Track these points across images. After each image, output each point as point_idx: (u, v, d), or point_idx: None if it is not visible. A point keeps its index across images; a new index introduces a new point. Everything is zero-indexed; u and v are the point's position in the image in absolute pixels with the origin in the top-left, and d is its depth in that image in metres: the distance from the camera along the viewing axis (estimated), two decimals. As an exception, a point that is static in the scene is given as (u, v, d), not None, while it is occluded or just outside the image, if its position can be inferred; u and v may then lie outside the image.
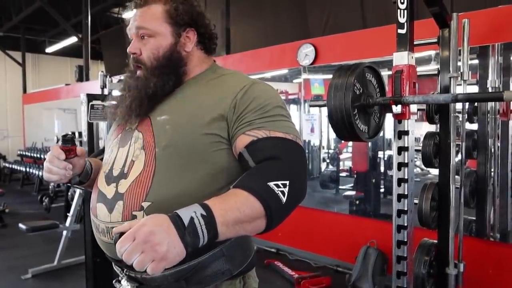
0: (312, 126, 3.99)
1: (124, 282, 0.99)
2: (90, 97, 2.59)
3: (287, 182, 0.83)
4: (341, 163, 5.19)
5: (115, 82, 2.68)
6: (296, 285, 3.34)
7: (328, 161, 5.43)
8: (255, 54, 4.57)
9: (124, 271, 0.96)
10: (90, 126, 2.62)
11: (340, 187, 4.92)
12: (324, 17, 5.40)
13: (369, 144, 4.26)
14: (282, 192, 0.82)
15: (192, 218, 0.74)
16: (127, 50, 1.11)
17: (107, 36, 10.50)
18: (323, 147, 5.40)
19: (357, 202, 4.39)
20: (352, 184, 4.84)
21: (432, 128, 2.79)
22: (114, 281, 1.06)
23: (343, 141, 5.25)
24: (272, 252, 4.17)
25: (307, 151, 5.00)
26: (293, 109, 5.00)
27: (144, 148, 0.97)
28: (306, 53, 3.85)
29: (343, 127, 1.92)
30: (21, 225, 3.64)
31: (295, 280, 3.37)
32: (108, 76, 2.68)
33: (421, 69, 3.38)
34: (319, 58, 3.79)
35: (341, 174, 5.03)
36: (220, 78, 1.07)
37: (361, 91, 1.92)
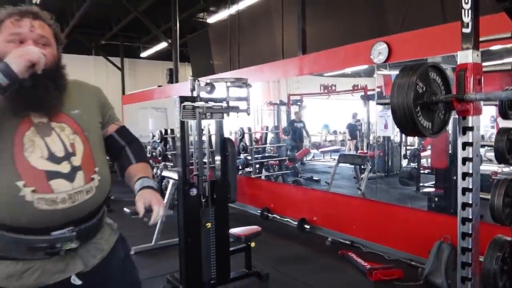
0: (386, 122, 4.05)
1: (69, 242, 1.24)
2: (182, 98, 3.01)
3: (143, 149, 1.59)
4: (422, 160, 5.14)
5: (203, 85, 3.06)
6: (368, 275, 3.47)
7: (408, 158, 5.39)
8: (329, 53, 4.73)
9: (71, 229, 1.23)
10: (182, 124, 3.05)
11: (421, 184, 4.88)
12: (402, 13, 5.36)
13: (450, 139, 4.20)
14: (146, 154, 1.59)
15: (155, 186, 1.40)
16: (31, 52, 1.15)
17: (194, 40, 11.30)
18: (404, 144, 5.36)
19: (436, 199, 4.35)
20: (433, 182, 4.78)
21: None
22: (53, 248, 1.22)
23: (427, 138, 5.19)
24: (347, 244, 4.32)
25: (386, 148, 5.03)
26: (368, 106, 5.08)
27: (77, 133, 1.28)
28: (379, 51, 3.93)
29: (406, 124, 2.05)
30: (125, 209, 4.23)
31: (367, 271, 3.50)
32: (197, 80, 3.07)
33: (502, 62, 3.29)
34: (393, 55, 3.85)
35: (423, 171, 4.99)
36: (77, 82, 1.42)
37: (424, 89, 2.04)
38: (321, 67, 4.92)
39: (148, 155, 6.75)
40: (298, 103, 6.66)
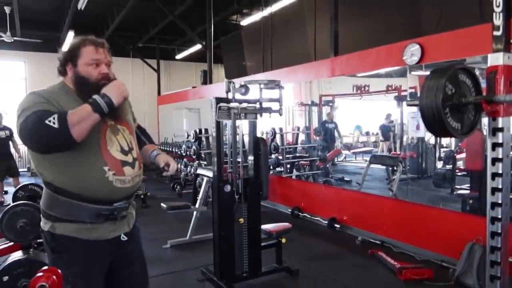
0: (418, 123, 4.06)
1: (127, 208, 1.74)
2: (218, 100, 3.17)
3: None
4: (458, 162, 5.08)
5: (238, 87, 3.20)
6: (398, 274, 3.50)
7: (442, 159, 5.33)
8: (362, 55, 4.77)
9: (125, 202, 1.69)
10: (218, 124, 3.21)
11: (456, 186, 4.83)
12: (437, 13, 5.31)
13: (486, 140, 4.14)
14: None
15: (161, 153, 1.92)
16: (102, 72, 1.64)
17: (226, 41, 11.52)
18: (439, 146, 5.30)
19: (470, 201, 4.30)
20: (468, 184, 4.73)
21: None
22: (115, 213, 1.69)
23: (465, 140, 5.13)
24: (377, 243, 4.35)
25: (420, 149, 5.01)
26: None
27: (131, 134, 1.77)
28: (412, 52, 3.95)
29: (434, 125, 2.12)
30: (162, 204, 4.48)
31: (397, 270, 3.53)
32: (232, 82, 3.21)
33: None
34: (426, 56, 3.86)
35: (458, 173, 4.94)
36: None
37: (453, 91, 2.09)
38: (353, 68, 4.97)
39: (183, 154, 7.01)
40: (330, 104, 6.70)
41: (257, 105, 3.29)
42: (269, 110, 3.33)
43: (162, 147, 10.23)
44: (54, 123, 1.38)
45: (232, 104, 3.20)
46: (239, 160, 3.48)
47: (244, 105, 3.25)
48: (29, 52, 10.92)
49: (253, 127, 3.42)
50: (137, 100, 12.66)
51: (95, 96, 1.49)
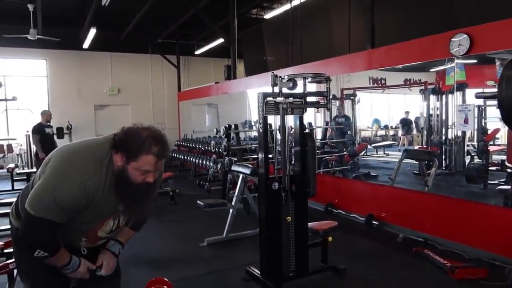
0: (466, 117, 3.90)
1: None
2: (266, 95, 3.07)
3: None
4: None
5: (285, 81, 3.09)
6: (450, 273, 3.37)
7: (476, 154, 5.18)
8: (402, 46, 4.61)
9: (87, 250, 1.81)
10: (265, 119, 3.11)
11: (490, 182, 4.69)
12: (473, 3, 5.14)
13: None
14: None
15: (119, 251, 1.88)
16: (147, 181, 1.60)
17: (247, 36, 11.39)
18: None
19: (514, 196, 4.15)
20: (503, 179, 4.58)
21: None
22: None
23: (489, 133, 4.99)
24: (420, 241, 4.22)
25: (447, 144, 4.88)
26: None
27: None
28: (459, 42, 3.79)
29: (517, 118, 1.99)
30: (199, 202, 4.41)
31: (448, 269, 3.41)
32: (279, 76, 3.11)
33: None
34: (475, 47, 3.70)
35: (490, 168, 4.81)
36: None
37: (537, 82, 1.96)
38: (393, 60, 4.81)
39: (212, 150, 6.95)
40: (351, 97, 6.58)
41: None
42: (316, 104, 3.22)
43: (184, 143, 10.20)
44: (42, 254, 1.58)
45: (279, 99, 3.10)
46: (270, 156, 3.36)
47: (291, 99, 3.14)
48: (50, 50, 10.95)
49: (300, 122, 3.31)
50: (156, 96, 12.66)
51: (73, 262, 1.68)
